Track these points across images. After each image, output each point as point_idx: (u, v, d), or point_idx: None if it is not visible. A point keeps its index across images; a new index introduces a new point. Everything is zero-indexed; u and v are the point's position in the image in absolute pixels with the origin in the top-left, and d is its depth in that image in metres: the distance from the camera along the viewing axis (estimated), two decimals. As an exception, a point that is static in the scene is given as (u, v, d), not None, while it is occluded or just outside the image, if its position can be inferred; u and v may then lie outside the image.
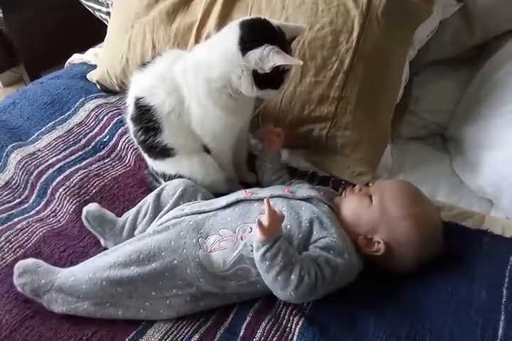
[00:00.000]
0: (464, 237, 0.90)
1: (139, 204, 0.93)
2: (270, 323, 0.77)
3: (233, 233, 0.81)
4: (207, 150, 0.97)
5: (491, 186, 1.04)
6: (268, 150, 1.01)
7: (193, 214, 0.85)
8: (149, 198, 0.92)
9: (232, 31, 0.84)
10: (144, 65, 0.96)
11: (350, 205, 0.86)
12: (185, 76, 0.89)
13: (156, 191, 0.93)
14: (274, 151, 1.01)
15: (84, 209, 0.91)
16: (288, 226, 0.81)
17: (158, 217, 0.89)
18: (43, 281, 0.79)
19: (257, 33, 0.83)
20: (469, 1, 1.20)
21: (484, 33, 1.25)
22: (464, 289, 0.81)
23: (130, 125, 0.98)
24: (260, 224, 0.74)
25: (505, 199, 1.02)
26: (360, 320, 0.78)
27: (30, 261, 0.83)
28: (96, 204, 0.94)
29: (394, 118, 1.14)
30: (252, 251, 0.78)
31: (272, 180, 0.98)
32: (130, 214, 0.92)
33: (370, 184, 0.96)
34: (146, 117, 0.91)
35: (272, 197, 0.86)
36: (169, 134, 0.92)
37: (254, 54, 0.80)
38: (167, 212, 0.89)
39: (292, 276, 0.74)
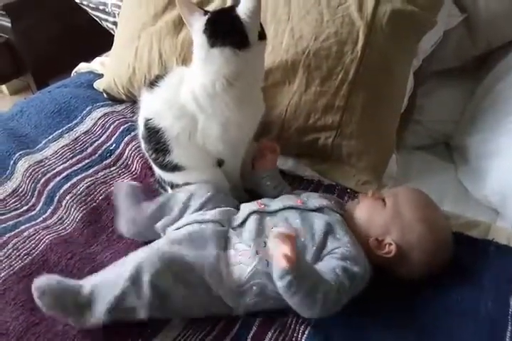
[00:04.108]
0: (470, 247, 0.90)
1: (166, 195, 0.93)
2: (276, 333, 0.77)
3: (248, 247, 0.81)
4: (218, 164, 0.97)
5: (497, 195, 1.04)
6: (260, 167, 0.98)
7: (214, 222, 0.85)
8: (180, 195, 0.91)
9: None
10: (152, 84, 0.94)
11: (364, 208, 0.86)
12: (197, 103, 0.89)
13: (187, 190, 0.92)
14: (267, 168, 0.98)
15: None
16: (302, 239, 0.81)
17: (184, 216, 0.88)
18: (71, 299, 0.75)
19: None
20: (473, 12, 1.21)
21: (488, 43, 1.26)
22: (471, 299, 0.81)
23: (142, 143, 0.99)
24: (281, 253, 0.70)
25: (511, 209, 1.02)
26: (366, 328, 0.77)
27: (48, 279, 0.76)
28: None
29: (399, 128, 1.14)
30: (267, 266, 0.78)
31: (274, 195, 0.95)
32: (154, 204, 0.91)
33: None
34: (155, 139, 0.92)
35: (284, 208, 0.86)
36: (179, 154, 0.93)
37: None
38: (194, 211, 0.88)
39: (318, 295, 0.72)
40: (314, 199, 0.89)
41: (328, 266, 0.77)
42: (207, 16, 0.87)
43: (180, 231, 0.84)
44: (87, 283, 0.77)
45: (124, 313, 0.76)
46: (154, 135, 0.92)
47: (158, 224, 0.89)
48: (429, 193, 0.90)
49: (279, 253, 0.70)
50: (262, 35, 0.88)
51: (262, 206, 0.88)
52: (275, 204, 0.88)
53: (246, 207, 0.89)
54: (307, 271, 0.73)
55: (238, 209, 0.90)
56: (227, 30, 0.84)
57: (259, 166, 0.99)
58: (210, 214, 0.87)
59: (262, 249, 0.80)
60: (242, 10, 0.83)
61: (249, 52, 0.85)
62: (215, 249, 0.80)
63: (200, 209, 0.88)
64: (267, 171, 0.98)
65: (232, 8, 0.85)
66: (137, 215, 0.91)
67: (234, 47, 0.84)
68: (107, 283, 0.77)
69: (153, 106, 0.93)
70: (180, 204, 0.89)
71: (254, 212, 0.86)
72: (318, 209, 0.86)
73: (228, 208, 0.89)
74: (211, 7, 1.18)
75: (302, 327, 0.78)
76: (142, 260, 0.77)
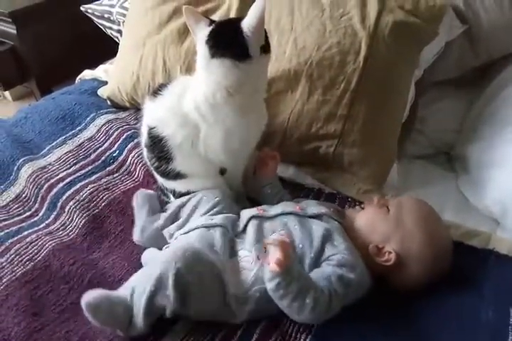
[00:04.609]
0: (471, 256, 0.90)
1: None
2: (277, 341, 0.77)
3: (249, 253, 0.82)
4: (221, 172, 0.97)
5: (497, 205, 1.05)
6: (262, 175, 1.00)
7: (221, 226, 0.85)
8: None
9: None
10: (155, 92, 0.95)
11: (367, 215, 0.87)
12: (199, 112, 0.90)
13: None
14: (268, 176, 1.00)
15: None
16: (300, 246, 0.81)
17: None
18: (120, 311, 0.74)
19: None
20: (474, 23, 1.23)
21: (489, 55, 1.28)
22: (471, 308, 0.81)
23: (144, 151, 0.99)
24: (273, 257, 0.72)
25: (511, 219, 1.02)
26: (368, 337, 0.77)
27: (97, 295, 0.74)
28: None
29: (400, 137, 1.15)
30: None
31: (274, 203, 0.96)
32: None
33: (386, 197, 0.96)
34: (158, 147, 0.93)
35: (283, 213, 0.87)
36: (182, 162, 0.93)
37: None
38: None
39: (307, 300, 0.73)
40: (313, 207, 0.90)
41: (323, 273, 0.78)
42: (211, 27, 0.88)
43: (190, 235, 0.85)
44: (125, 292, 0.76)
45: (157, 314, 0.76)
46: (157, 143, 0.93)
47: (165, 231, 0.90)
48: (429, 202, 0.90)
49: (271, 257, 0.72)
50: (266, 49, 0.89)
51: (262, 211, 0.89)
52: (274, 209, 0.89)
53: (245, 213, 0.90)
54: (297, 275, 0.75)
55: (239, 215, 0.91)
56: (228, 42, 0.85)
57: (260, 174, 1.00)
58: (217, 218, 0.88)
59: (262, 254, 0.80)
60: (246, 23, 0.84)
61: (250, 64, 0.86)
62: (222, 255, 0.81)
63: (206, 213, 0.89)
64: (269, 179, 1.00)
65: (238, 20, 0.86)
66: (149, 224, 0.93)
67: (234, 59, 0.85)
68: (139, 287, 0.76)
69: (157, 115, 0.94)
70: (190, 208, 0.91)
71: (253, 216, 0.87)
72: (317, 216, 0.87)
73: (232, 215, 0.90)
74: (216, 16, 1.20)
75: (303, 335, 0.78)
76: (168, 260, 0.76)
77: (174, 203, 0.95)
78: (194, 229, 0.86)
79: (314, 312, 0.74)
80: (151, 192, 1.00)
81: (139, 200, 0.97)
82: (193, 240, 0.83)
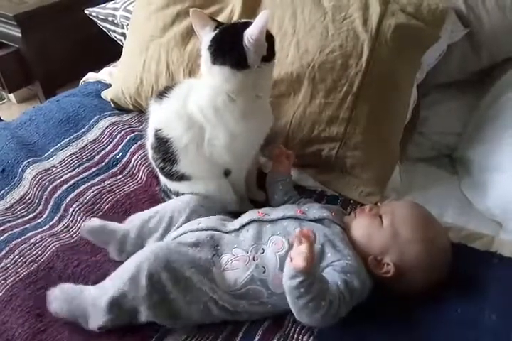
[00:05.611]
0: (473, 259, 0.90)
1: (149, 214, 0.93)
2: (279, 342, 0.78)
3: (246, 253, 0.82)
4: (225, 174, 0.98)
5: (499, 208, 1.05)
6: (277, 172, 1.02)
7: (208, 229, 0.87)
8: (164, 212, 0.92)
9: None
10: (160, 94, 0.96)
11: (361, 226, 0.87)
12: (203, 114, 0.91)
13: (169, 207, 0.94)
14: (283, 173, 1.02)
15: (85, 226, 0.92)
16: None
17: (172, 231, 0.90)
18: (77, 302, 0.79)
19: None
20: (476, 27, 1.23)
21: (491, 57, 1.28)
22: (473, 312, 0.81)
23: (150, 152, 1.00)
24: (298, 253, 0.71)
25: (514, 222, 1.02)
26: (368, 339, 0.78)
27: (62, 286, 0.82)
28: (96, 219, 0.94)
29: (402, 139, 1.15)
30: (264, 272, 0.80)
31: (283, 200, 0.99)
32: (136, 223, 0.92)
33: (379, 204, 0.97)
34: (163, 148, 0.94)
35: (283, 218, 0.87)
36: (186, 164, 0.94)
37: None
38: (179, 227, 0.90)
39: (323, 303, 0.73)
40: (315, 210, 0.90)
41: (330, 278, 0.78)
42: (214, 33, 0.88)
43: (176, 240, 0.86)
44: (94, 290, 0.81)
45: (126, 315, 0.78)
46: (163, 145, 0.93)
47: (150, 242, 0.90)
48: (431, 205, 0.90)
49: (295, 252, 0.70)
50: (269, 57, 0.88)
51: (263, 215, 0.89)
52: (276, 213, 0.90)
53: (246, 215, 0.91)
54: (319, 276, 0.74)
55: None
56: (228, 50, 0.85)
57: (275, 171, 1.03)
58: (204, 221, 0.89)
59: (259, 255, 0.81)
60: (248, 34, 0.83)
61: (250, 73, 0.86)
62: (209, 253, 0.82)
63: (185, 222, 0.90)
64: (282, 176, 1.01)
65: (243, 26, 0.84)
66: (122, 245, 0.91)
67: (232, 67, 0.85)
68: (109, 284, 0.80)
69: (163, 117, 0.95)
70: (164, 224, 0.91)
71: (254, 220, 0.87)
72: (318, 220, 0.87)
73: (222, 216, 0.92)
74: (219, 19, 1.20)
75: (305, 337, 0.78)
76: (141, 260, 0.78)
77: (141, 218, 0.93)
78: (182, 234, 0.87)
79: (326, 315, 0.74)
80: (95, 220, 0.95)
81: (89, 232, 0.92)
82: (178, 242, 0.84)
